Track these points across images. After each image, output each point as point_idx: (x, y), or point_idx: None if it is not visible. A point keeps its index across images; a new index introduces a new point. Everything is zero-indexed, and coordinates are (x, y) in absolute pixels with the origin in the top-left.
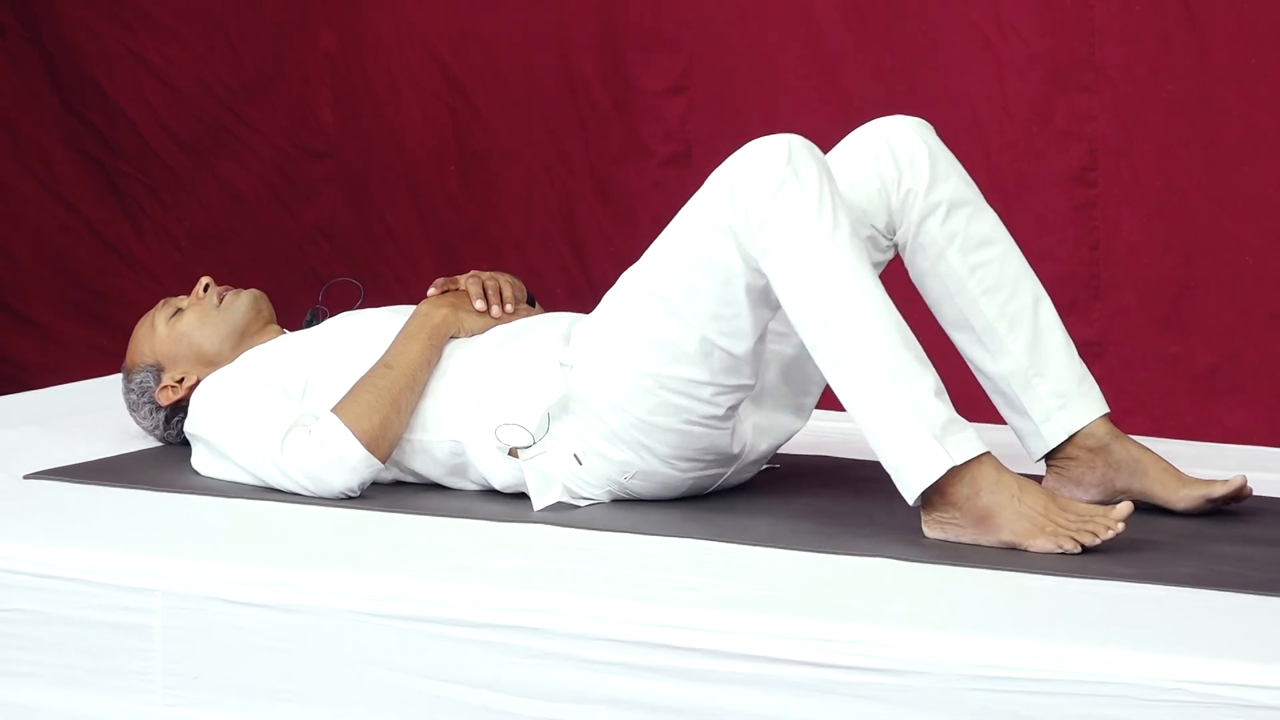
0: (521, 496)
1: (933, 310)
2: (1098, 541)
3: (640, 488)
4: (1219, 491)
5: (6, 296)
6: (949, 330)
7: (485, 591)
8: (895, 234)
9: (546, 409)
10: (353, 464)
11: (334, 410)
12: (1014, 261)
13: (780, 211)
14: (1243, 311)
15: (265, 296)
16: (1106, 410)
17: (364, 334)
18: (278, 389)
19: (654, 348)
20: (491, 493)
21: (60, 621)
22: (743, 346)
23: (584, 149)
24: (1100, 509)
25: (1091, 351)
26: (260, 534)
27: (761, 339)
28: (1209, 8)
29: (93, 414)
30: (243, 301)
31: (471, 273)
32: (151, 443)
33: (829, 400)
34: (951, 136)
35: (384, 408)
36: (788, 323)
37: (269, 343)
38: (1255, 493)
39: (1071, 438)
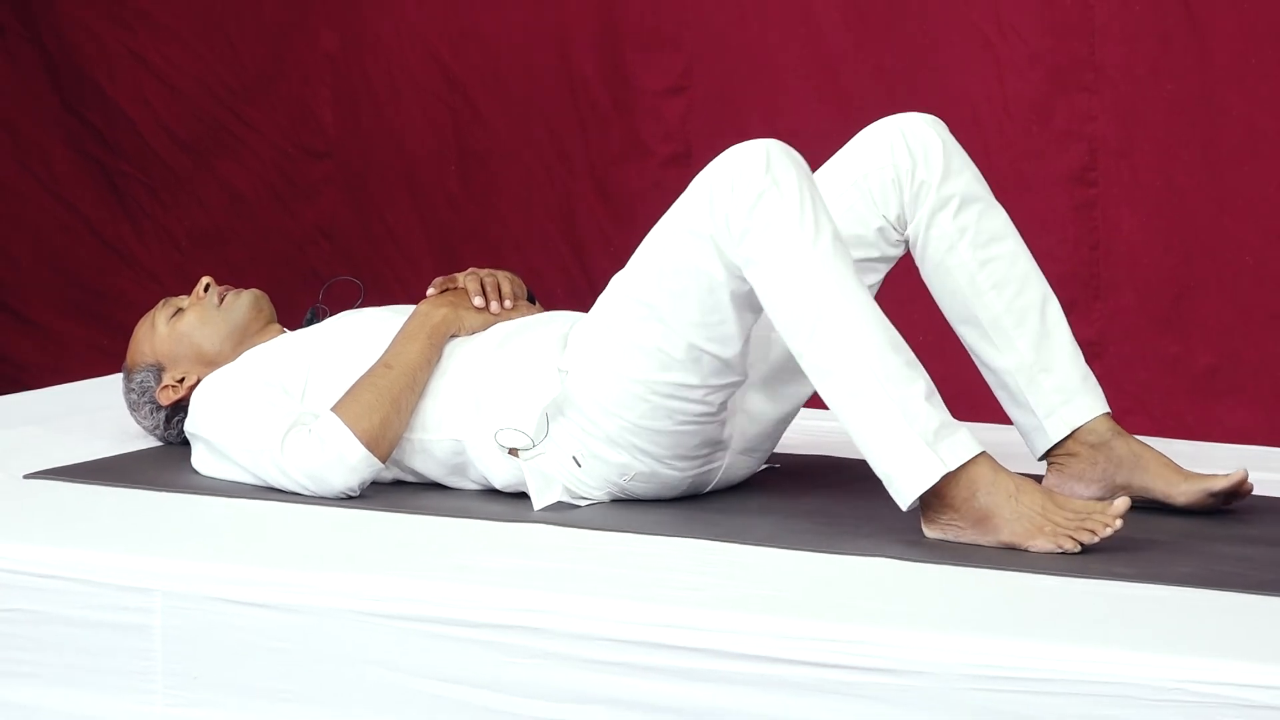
0: (522, 496)
1: (940, 304)
2: (1096, 539)
3: (639, 488)
4: (1219, 485)
5: (6, 296)
6: (955, 325)
7: (485, 591)
8: (906, 227)
9: (544, 410)
10: (353, 463)
11: (334, 409)
12: (1023, 259)
13: (761, 221)
14: (1243, 311)
15: (266, 296)
16: (1108, 410)
17: (364, 333)
18: (278, 388)
19: (643, 354)
20: (491, 492)
21: (60, 621)
22: (731, 350)
23: (584, 149)
24: (1098, 505)
25: (1091, 351)
26: (260, 534)
27: (749, 339)
28: (1209, 8)
29: (93, 414)
30: (243, 301)
31: (470, 270)
32: (151, 443)
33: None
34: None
35: (384, 407)
36: None
37: (269, 342)
38: (1255, 492)
39: (1073, 433)
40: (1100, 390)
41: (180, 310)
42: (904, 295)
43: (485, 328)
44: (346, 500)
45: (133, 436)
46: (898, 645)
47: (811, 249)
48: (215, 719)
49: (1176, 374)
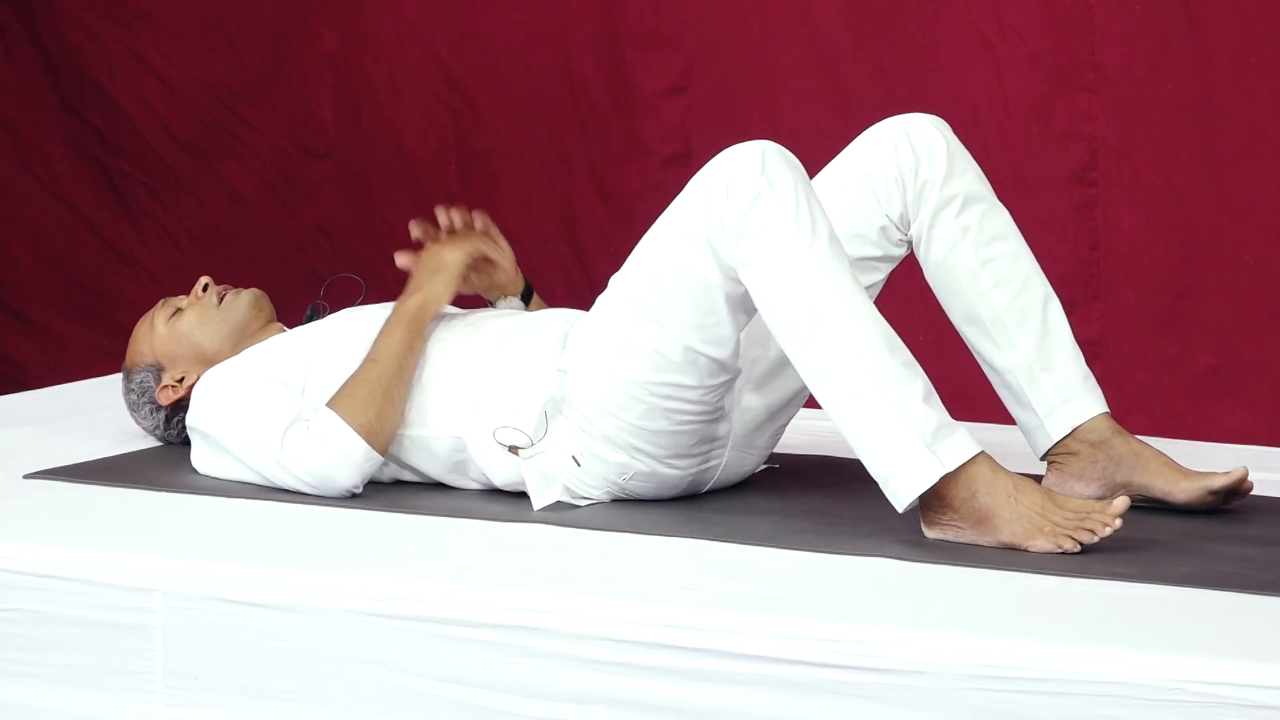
0: (522, 496)
1: (942, 303)
2: (1096, 539)
3: (639, 488)
4: (1219, 483)
5: (6, 296)
6: (957, 324)
7: (486, 591)
8: (910, 226)
9: (543, 409)
10: (356, 460)
11: (329, 406)
12: (1025, 259)
13: (756, 223)
14: (1243, 311)
15: (266, 296)
16: (1107, 410)
17: (364, 330)
18: (278, 381)
19: (640, 356)
20: (491, 492)
21: (60, 621)
22: (726, 351)
23: (584, 149)
24: (1097, 505)
25: (1091, 351)
26: (260, 534)
27: (739, 342)
28: (1209, 8)
29: (93, 414)
30: (243, 301)
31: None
32: (151, 443)
33: None
34: None
35: (377, 400)
36: None
37: (270, 339)
38: (1255, 492)
39: (1074, 432)
40: (1100, 390)
41: (179, 310)
42: (904, 295)
43: (455, 293)
44: (347, 500)
45: (133, 436)
46: (898, 645)
47: (808, 251)
48: (215, 719)
49: (1176, 374)
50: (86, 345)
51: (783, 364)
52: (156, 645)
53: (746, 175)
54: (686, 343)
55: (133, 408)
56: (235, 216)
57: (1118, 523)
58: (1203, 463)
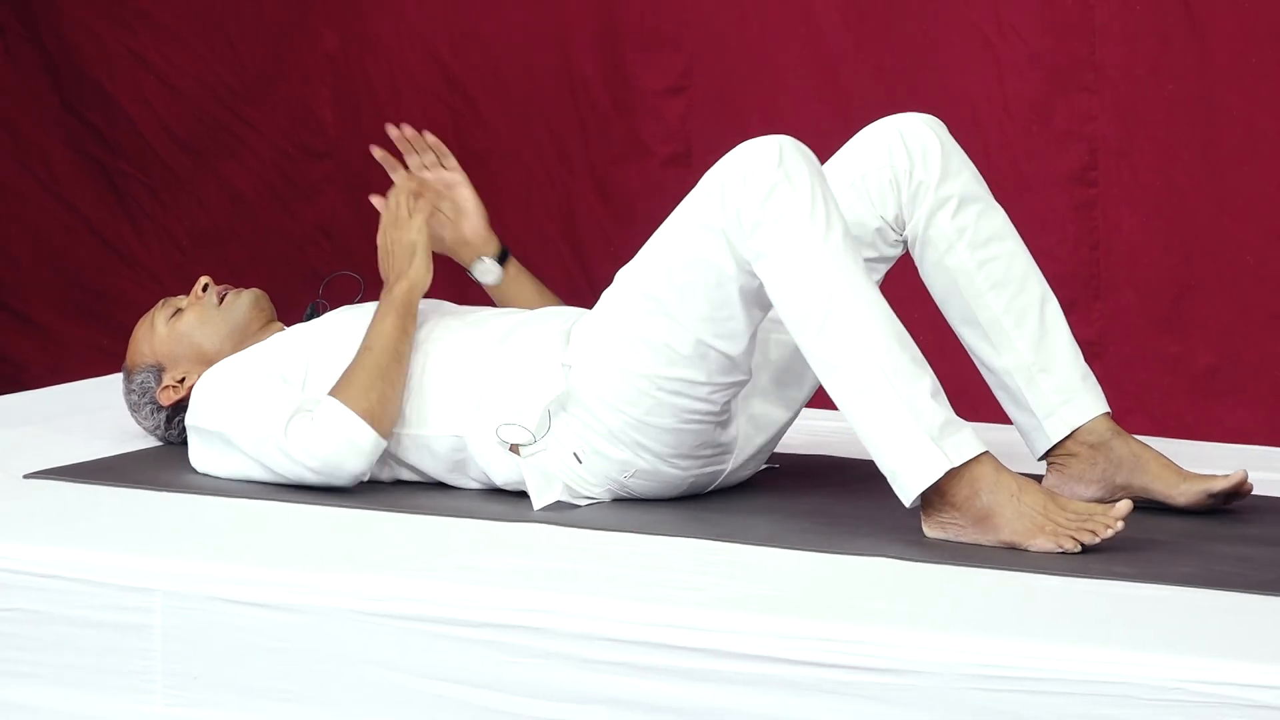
0: (522, 495)
1: (939, 305)
2: (1097, 540)
3: (640, 486)
4: (1219, 486)
5: (6, 296)
6: (955, 325)
7: (486, 591)
8: (905, 227)
9: (546, 406)
10: (362, 445)
11: (331, 395)
12: (1021, 259)
13: (772, 214)
14: (1243, 311)
15: (266, 296)
16: (1108, 410)
17: (362, 327)
18: (278, 378)
19: (650, 349)
20: (492, 492)
21: (60, 621)
22: (738, 347)
23: (584, 149)
24: (1100, 507)
25: (1091, 351)
26: (260, 534)
27: (755, 336)
28: (1209, 8)
29: (93, 414)
30: (243, 301)
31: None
32: (151, 443)
33: (828, 400)
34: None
35: (378, 385)
36: None
37: (270, 338)
38: (1255, 492)
39: (1073, 434)
40: (1100, 390)
41: (180, 310)
42: (903, 295)
43: (431, 265)
44: (347, 500)
45: (133, 436)
46: (898, 645)
47: (822, 243)
48: (215, 719)
49: (1176, 374)
50: (86, 345)
51: (786, 373)
52: (156, 645)
53: (764, 167)
54: (698, 336)
55: (133, 408)
56: (235, 216)
57: (1120, 525)
58: (1203, 463)
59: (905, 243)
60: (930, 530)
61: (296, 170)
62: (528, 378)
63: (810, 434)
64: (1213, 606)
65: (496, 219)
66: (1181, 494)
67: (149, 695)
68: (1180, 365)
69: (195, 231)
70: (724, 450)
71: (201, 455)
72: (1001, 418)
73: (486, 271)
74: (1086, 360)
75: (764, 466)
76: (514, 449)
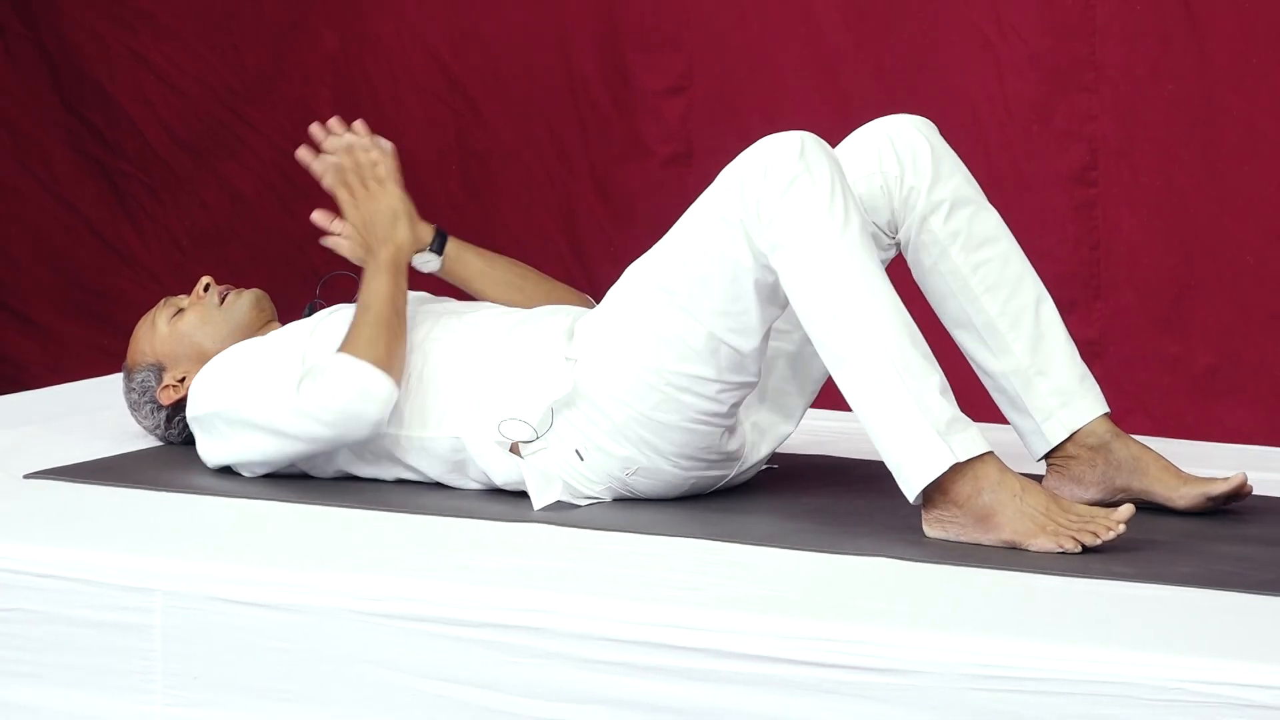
0: (522, 495)
1: (935, 308)
2: (1099, 542)
3: (641, 485)
4: (1219, 489)
5: (6, 296)
6: (951, 329)
7: (486, 591)
8: (897, 232)
9: (550, 405)
10: (378, 392)
11: (343, 352)
12: (1016, 261)
13: (791, 206)
14: (1243, 311)
15: (267, 296)
16: (1107, 410)
17: None
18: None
19: (662, 343)
20: (492, 492)
21: (60, 621)
22: (750, 344)
23: (584, 149)
24: (1102, 510)
25: (1091, 351)
26: (260, 534)
27: (766, 336)
28: (1209, 8)
29: (93, 414)
30: (244, 301)
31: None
32: (151, 443)
33: (828, 399)
34: (951, 136)
35: (384, 335)
36: (788, 319)
37: (266, 335)
38: (1255, 492)
39: (1072, 436)
40: (1098, 390)
41: (181, 310)
42: (901, 295)
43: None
44: (347, 500)
45: (133, 436)
46: (898, 645)
47: (839, 237)
48: (215, 719)
49: (1176, 374)
50: (86, 345)
51: (790, 381)
52: (156, 645)
53: (785, 160)
54: (711, 329)
55: (133, 406)
56: (235, 216)
57: (1121, 528)
58: (1203, 463)
59: (899, 245)
60: (930, 529)
61: (297, 170)
62: (530, 375)
63: (810, 434)
64: (1213, 606)
65: (496, 219)
66: (1181, 497)
67: (149, 695)
68: (1180, 365)
69: (195, 231)
70: (729, 458)
71: (210, 445)
72: (1000, 419)
73: (426, 263)
74: (1086, 360)
75: (764, 466)
76: (514, 449)
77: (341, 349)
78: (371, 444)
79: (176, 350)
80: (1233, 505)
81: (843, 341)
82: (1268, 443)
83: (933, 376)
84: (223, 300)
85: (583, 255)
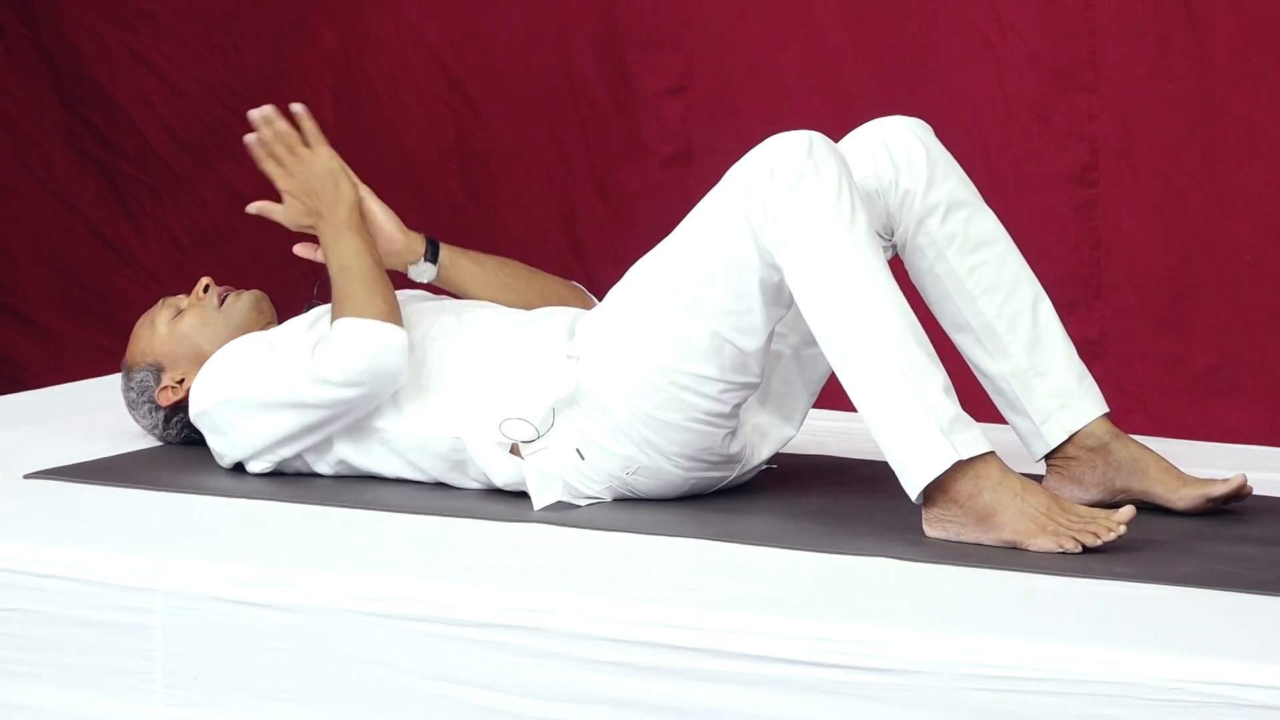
0: (522, 495)
1: (932, 310)
2: (1099, 542)
3: (642, 484)
4: (1219, 491)
5: (6, 296)
6: (949, 331)
7: (486, 591)
8: (893, 235)
9: (552, 404)
10: (394, 344)
11: (340, 316)
12: (1013, 262)
13: (798, 204)
14: (1243, 311)
15: (266, 297)
16: (1106, 410)
17: None
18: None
19: (665, 341)
20: (491, 492)
21: (60, 621)
22: (754, 343)
23: (584, 149)
24: (1103, 512)
25: (1091, 351)
26: (260, 534)
27: (770, 337)
28: (1209, 8)
29: (93, 414)
30: (243, 303)
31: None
32: (151, 443)
33: (828, 399)
34: (951, 136)
35: (377, 289)
36: (788, 322)
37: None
38: (1255, 492)
39: (1071, 437)
40: (1098, 390)
41: (181, 311)
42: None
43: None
44: (346, 500)
45: (133, 436)
46: (898, 645)
47: (846, 234)
48: (215, 719)
49: (1176, 374)
50: (86, 345)
51: (791, 384)
52: (156, 645)
53: (793, 157)
54: (715, 328)
55: (131, 405)
56: (235, 216)
57: (1122, 529)
58: (1202, 462)
59: (895, 248)
60: (930, 529)
61: None
62: (530, 375)
63: (810, 434)
64: (1213, 606)
65: (497, 219)
66: (1181, 499)
67: (149, 695)
68: (1180, 365)
69: (195, 231)
70: (730, 460)
71: (222, 441)
72: (1000, 420)
73: (422, 274)
74: (1086, 360)
75: (764, 466)
76: (514, 450)
77: (339, 314)
78: (372, 436)
79: (175, 351)
80: (1233, 506)
81: (847, 339)
82: (1268, 443)
83: (936, 375)
84: (222, 302)
85: (583, 255)
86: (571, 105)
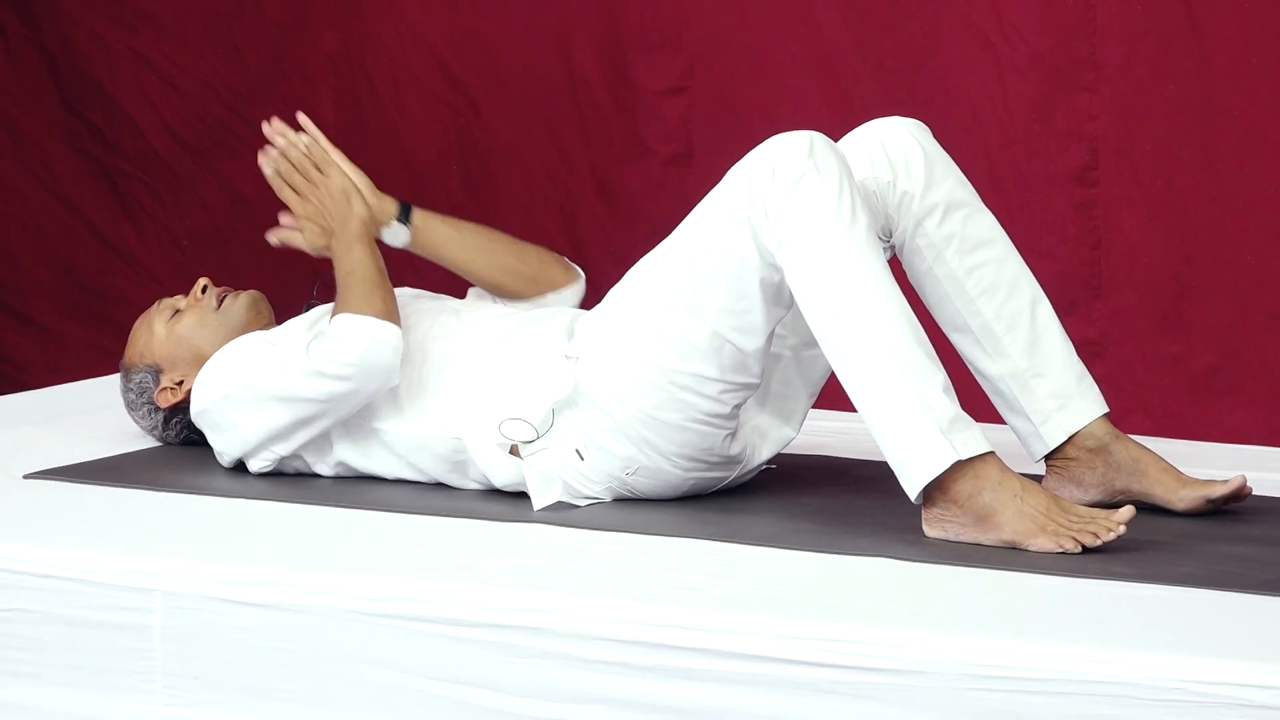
0: (522, 496)
1: (931, 312)
2: (1099, 543)
3: (641, 485)
4: (1218, 492)
5: (6, 296)
6: (947, 332)
7: (485, 591)
8: (891, 236)
9: (552, 405)
10: (388, 339)
11: (339, 312)
12: (1011, 262)
13: (799, 204)
14: (1243, 311)
15: (264, 298)
16: (1106, 410)
17: None
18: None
19: (665, 341)
20: (491, 492)
21: (60, 621)
22: (754, 344)
23: (585, 149)
24: (1102, 512)
25: (1091, 351)
26: (260, 534)
27: (770, 337)
28: (1209, 8)
29: (93, 414)
30: (241, 303)
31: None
32: (151, 443)
33: (828, 399)
34: (951, 136)
35: (377, 291)
36: (788, 323)
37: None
38: (1255, 493)
39: (1071, 438)
40: (1097, 390)
41: (178, 312)
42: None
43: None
44: (346, 500)
45: (133, 436)
46: (898, 645)
47: (846, 234)
48: (215, 719)
49: (1176, 374)
50: (86, 345)
51: (791, 385)
52: (156, 645)
53: (794, 158)
54: (715, 328)
55: (130, 406)
56: (236, 216)
57: (1122, 529)
58: (1202, 462)
59: (894, 249)
60: (930, 528)
61: None
62: (530, 376)
63: (810, 434)
64: (1213, 606)
65: (497, 219)
66: (1181, 500)
67: (149, 695)
68: (1180, 365)
69: (195, 231)
70: (730, 461)
71: (222, 438)
72: (999, 420)
73: (395, 236)
74: (1086, 360)
75: (764, 466)
76: (514, 450)
77: (338, 312)
78: (372, 438)
79: (174, 353)
80: (1232, 506)
81: (847, 339)
82: (1267, 443)
83: (936, 375)
84: (220, 303)
85: (583, 255)
86: (572, 105)
